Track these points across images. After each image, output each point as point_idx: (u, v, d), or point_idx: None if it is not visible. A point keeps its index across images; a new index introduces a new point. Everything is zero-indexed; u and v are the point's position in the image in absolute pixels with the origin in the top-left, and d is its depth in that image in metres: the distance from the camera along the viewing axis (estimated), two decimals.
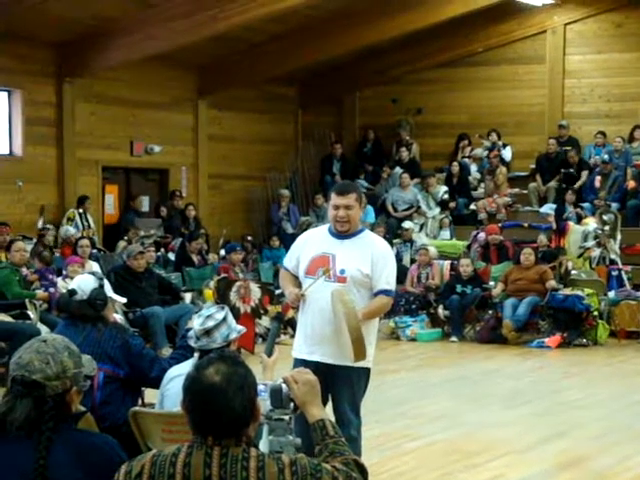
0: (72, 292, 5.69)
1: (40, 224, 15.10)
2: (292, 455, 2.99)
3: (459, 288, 14.35)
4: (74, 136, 16.07)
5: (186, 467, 2.86)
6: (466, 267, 14.50)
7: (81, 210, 15.61)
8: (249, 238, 17.54)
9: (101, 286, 5.72)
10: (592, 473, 7.09)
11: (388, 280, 5.67)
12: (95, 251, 14.68)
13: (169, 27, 14.89)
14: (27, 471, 3.08)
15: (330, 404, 5.78)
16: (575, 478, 6.98)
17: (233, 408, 2.90)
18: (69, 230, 15.09)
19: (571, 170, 17.80)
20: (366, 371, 5.80)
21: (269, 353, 5.30)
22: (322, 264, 5.62)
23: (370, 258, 5.64)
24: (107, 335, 5.54)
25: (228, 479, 2.84)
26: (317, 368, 5.72)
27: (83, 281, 5.76)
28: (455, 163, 18.73)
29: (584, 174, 17.64)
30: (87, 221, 15.72)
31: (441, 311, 14.34)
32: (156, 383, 5.40)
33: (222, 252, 15.81)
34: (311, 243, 5.85)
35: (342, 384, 5.69)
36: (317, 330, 5.71)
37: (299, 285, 5.88)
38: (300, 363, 5.76)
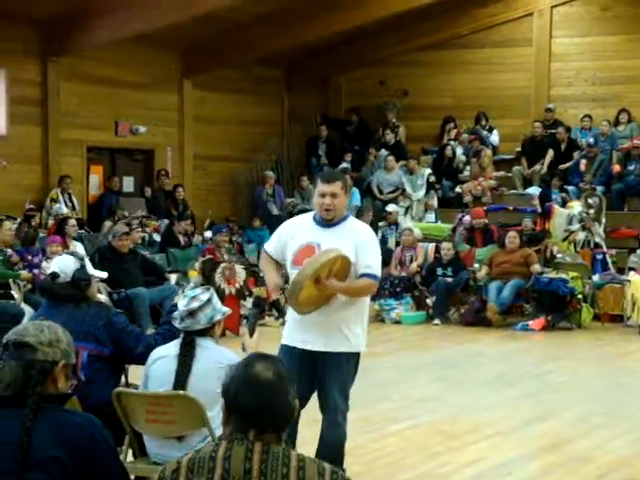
0: (54, 275, 5.65)
1: (27, 205, 15.01)
2: (332, 466, 2.99)
3: (439, 271, 14.44)
4: (59, 116, 15.99)
5: (227, 460, 2.86)
6: (447, 251, 14.62)
7: (60, 189, 15.51)
8: (231, 221, 17.51)
9: (82, 266, 5.68)
10: (575, 456, 7.11)
11: (372, 265, 5.64)
12: (82, 231, 14.65)
13: (154, 7, 14.81)
14: (9, 449, 3.06)
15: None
16: (558, 460, 7.00)
17: (283, 403, 2.93)
18: (61, 208, 15.04)
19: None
20: (356, 355, 5.76)
21: (251, 334, 5.34)
22: (308, 254, 5.60)
23: (354, 245, 5.61)
24: (90, 314, 5.53)
25: (269, 474, 2.85)
26: (306, 355, 5.71)
27: (63, 263, 5.70)
28: (449, 147, 18.67)
29: (575, 155, 17.63)
30: (72, 202, 15.65)
31: (428, 299, 14.38)
32: (142, 359, 5.38)
33: (207, 234, 15.78)
34: (297, 232, 5.80)
35: (332, 369, 5.64)
36: (306, 318, 5.68)
37: (280, 270, 5.85)
38: (287, 350, 5.74)
